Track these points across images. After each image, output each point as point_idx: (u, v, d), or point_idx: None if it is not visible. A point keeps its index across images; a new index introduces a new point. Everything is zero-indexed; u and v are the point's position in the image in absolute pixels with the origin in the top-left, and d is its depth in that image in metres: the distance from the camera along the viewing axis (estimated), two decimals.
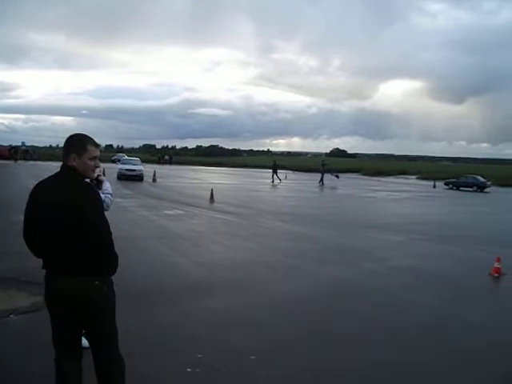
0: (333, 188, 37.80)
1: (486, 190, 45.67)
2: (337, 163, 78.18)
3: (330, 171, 44.28)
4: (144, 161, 44.96)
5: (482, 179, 47.53)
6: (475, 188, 45.49)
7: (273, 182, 41.08)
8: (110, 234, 3.27)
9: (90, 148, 3.36)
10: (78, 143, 3.36)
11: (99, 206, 3.30)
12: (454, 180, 48.98)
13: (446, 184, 48.72)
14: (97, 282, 3.26)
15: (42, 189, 3.29)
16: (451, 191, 43.61)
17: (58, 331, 3.31)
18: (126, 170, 34.69)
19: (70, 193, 3.20)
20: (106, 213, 3.37)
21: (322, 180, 41.24)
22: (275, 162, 45.33)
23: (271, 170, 44.00)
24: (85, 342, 3.55)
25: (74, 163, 3.30)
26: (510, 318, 7.09)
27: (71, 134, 3.42)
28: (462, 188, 46.26)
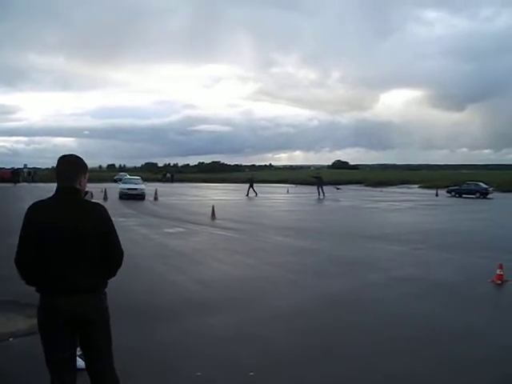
0: (335, 200, 37.72)
1: (488, 196, 45.44)
2: (339, 175, 78.30)
3: (324, 184, 43.86)
4: (146, 179, 44.97)
5: (484, 185, 47.27)
6: (478, 195, 45.21)
7: (247, 195, 41.13)
8: (123, 251, 3.47)
9: None
10: (84, 163, 3.44)
11: (113, 225, 3.41)
12: (456, 187, 48.61)
13: (449, 192, 48.44)
14: (102, 296, 3.38)
15: (49, 211, 3.26)
16: (454, 199, 43.43)
17: (56, 353, 3.28)
18: (128, 189, 34.81)
19: (88, 215, 3.28)
20: None
21: (319, 193, 40.84)
22: (252, 176, 45.92)
23: (248, 184, 44.22)
24: (80, 363, 3.55)
25: (82, 183, 3.38)
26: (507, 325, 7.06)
27: (64, 154, 3.43)
28: (464, 195, 45.97)
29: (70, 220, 3.19)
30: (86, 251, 3.23)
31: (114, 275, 3.47)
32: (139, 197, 33.86)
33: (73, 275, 3.20)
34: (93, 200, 4.13)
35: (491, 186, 48.23)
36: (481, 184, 47.54)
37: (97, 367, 3.38)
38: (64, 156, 3.41)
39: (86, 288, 3.25)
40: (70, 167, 3.37)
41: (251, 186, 43.34)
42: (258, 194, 41.31)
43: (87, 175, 3.45)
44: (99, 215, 3.33)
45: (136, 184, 36.10)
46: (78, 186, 3.34)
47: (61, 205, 3.26)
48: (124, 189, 34.88)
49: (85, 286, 3.24)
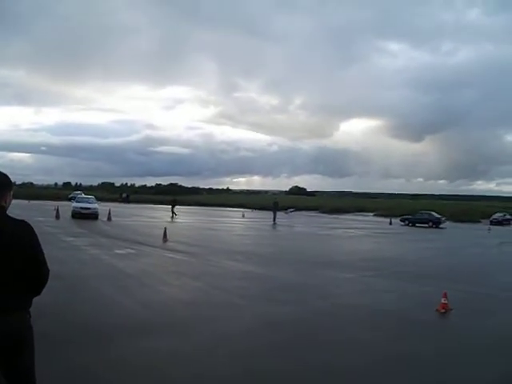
0: (289, 226, 37.95)
1: (441, 225, 46.58)
2: (295, 201, 78.86)
3: (280, 210, 44.18)
4: (102, 199, 44.35)
5: (436, 215, 48.58)
6: (430, 224, 46.39)
7: (172, 217, 41.22)
8: (48, 270, 3.35)
9: None
10: (10, 180, 3.37)
11: (39, 243, 3.31)
12: (409, 216, 49.73)
13: (402, 220, 49.49)
14: (28, 316, 3.27)
15: None
16: (406, 227, 44.31)
17: None
18: (81, 208, 34.32)
19: (14, 230, 3.18)
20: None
21: (274, 218, 41.16)
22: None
23: (170, 207, 44.43)
24: None
25: (8, 200, 3.30)
26: (451, 353, 7.11)
27: None
28: (417, 224, 47.02)
29: None
30: (13, 269, 3.12)
31: (40, 293, 3.37)
32: (92, 216, 33.31)
33: (2, 295, 3.09)
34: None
35: (444, 216, 49.36)
36: (433, 213, 48.88)
37: None
38: None
39: (15, 307, 3.15)
40: None
41: (173, 208, 43.45)
42: (178, 216, 41.80)
43: (12, 192, 3.37)
44: (26, 233, 3.24)
45: (89, 203, 35.55)
46: (3, 204, 3.25)
47: None
48: (77, 207, 34.41)
49: (13, 304, 3.13)
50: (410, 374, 6.14)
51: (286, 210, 50.81)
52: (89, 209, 34.24)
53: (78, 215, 33.15)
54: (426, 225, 46.37)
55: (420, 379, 5.95)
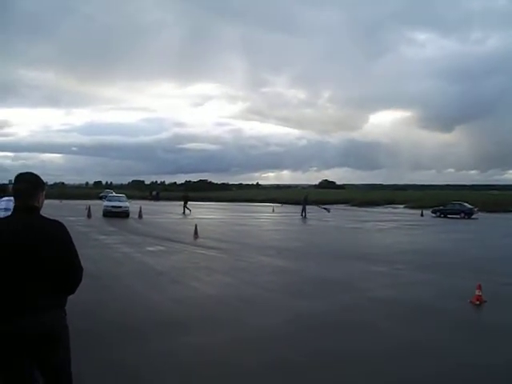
0: (319, 220, 37.78)
1: (473, 216, 45.77)
2: (325, 195, 78.47)
3: (309, 203, 43.97)
4: (132, 197, 44.65)
5: (468, 206, 47.82)
6: (462, 215, 45.62)
7: (184, 213, 41.08)
8: (82, 268, 3.40)
9: None
10: (42, 181, 3.45)
11: (73, 242, 3.37)
12: (441, 208, 49.08)
13: (434, 212, 48.85)
14: (64, 314, 3.34)
15: (9, 230, 3.20)
16: (438, 219, 43.67)
17: (14, 379, 3.18)
18: (112, 206, 34.53)
19: (48, 229, 3.26)
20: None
21: (303, 212, 41.05)
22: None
23: (182, 202, 44.09)
24: None
25: (41, 201, 3.38)
26: (486, 345, 7.03)
27: (22, 172, 3.40)
28: (449, 215, 46.39)
29: (29, 238, 3.16)
30: (47, 268, 3.19)
31: (74, 292, 3.43)
32: (123, 214, 33.55)
33: (35, 293, 3.16)
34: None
35: (476, 207, 48.64)
36: (465, 204, 48.10)
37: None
38: (22, 174, 3.39)
39: (50, 305, 3.22)
40: (29, 185, 3.35)
41: (185, 203, 43.23)
42: (192, 212, 41.53)
43: (44, 192, 3.44)
44: (59, 232, 3.32)
45: (120, 201, 35.74)
46: (36, 204, 3.32)
47: (20, 223, 3.23)
48: (108, 206, 34.61)
49: (48, 303, 3.20)
50: (436, 363, 6.08)
51: (322, 206, 50.49)
52: (120, 207, 34.44)
53: (109, 214, 33.41)
54: (458, 216, 45.57)
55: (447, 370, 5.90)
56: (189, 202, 43.33)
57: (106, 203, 35.91)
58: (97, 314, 7.92)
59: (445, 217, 46.37)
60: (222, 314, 8.36)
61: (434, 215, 47.93)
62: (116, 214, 33.36)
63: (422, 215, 47.14)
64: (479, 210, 49.01)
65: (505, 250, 19.95)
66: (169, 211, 44.89)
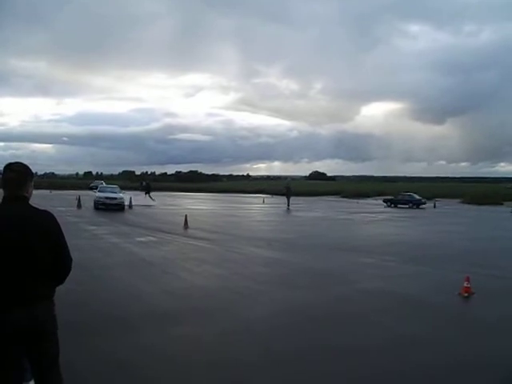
0: (308, 211, 37.83)
1: (421, 206, 48.96)
2: (315, 186, 78.61)
3: (292, 194, 43.74)
4: (123, 188, 43.92)
5: (417, 197, 51.26)
6: (411, 205, 49.16)
7: (148, 200, 40.67)
8: (71, 258, 3.44)
9: None
10: (31, 171, 3.43)
11: (62, 232, 3.39)
12: (392, 198, 53.07)
13: (385, 201, 53.03)
14: (52, 305, 3.35)
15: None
16: (430, 211, 43.76)
17: (4, 372, 3.20)
18: (106, 197, 31.93)
19: (37, 220, 3.26)
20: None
21: (288, 204, 40.63)
22: (148, 182, 45.97)
23: (144, 192, 44.02)
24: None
25: (30, 191, 3.36)
26: (473, 336, 7.10)
27: (11, 162, 3.37)
28: (399, 205, 49.91)
29: (20, 229, 3.15)
30: (37, 259, 3.19)
31: (63, 282, 3.44)
32: (117, 207, 31.22)
33: (25, 284, 3.16)
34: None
35: (424, 198, 52.23)
36: (414, 195, 51.78)
37: (49, 379, 3.33)
38: (11, 164, 3.36)
39: (39, 296, 3.22)
40: (18, 175, 3.33)
41: (148, 192, 43.27)
42: (155, 201, 41.24)
43: (33, 183, 3.43)
44: (48, 222, 3.31)
45: (114, 193, 33.26)
46: (25, 194, 3.31)
47: (10, 214, 3.21)
48: (101, 198, 31.90)
49: (37, 293, 3.21)
50: (423, 355, 6.15)
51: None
52: (115, 199, 31.74)
53: (102, 206, 31.14)
54: (407, 206, 49.01)
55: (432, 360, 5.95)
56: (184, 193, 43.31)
57: (98, 194, 33.10)
58: (86, 305, 7.89)
59: (395, 207, 50.08)
60: (212, 305, 8.35)
61: (385, 205, 51.59)
62: (109, 207, 31.03)
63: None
64: (467, 202, 50.12)
65: (494, 243, 19.95)
66: (159, 201, 44.73)
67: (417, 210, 45.04)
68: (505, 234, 24.52)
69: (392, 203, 51.48)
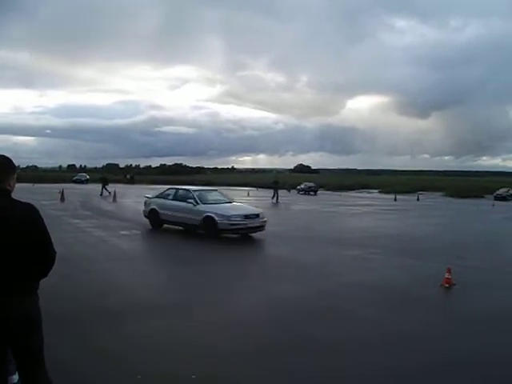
0: (293, 204, 37.87)
1: (318, 193, 61.44)
2: (299, 179, 78.70)
3: (280, 188, 43.69)
4: (106, 180, 43.67)
5: (314, 185, 63.67)
6: (312, 193, 59.96)
7: (101, 195, 40.31)
8: (55, 251, 3.38)
9: None
10: (13, 163, 3.38)
11: (45, 225, 3.34)
12: (300, 187, 64.01)
13: (297, 190, 63.12)
14: (36, 298, 3.32)
15: None
16: (413, 203, 43.96)
17: None
18: (245, 216, 16.39)
19: (20, 213, 3.21)
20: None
21: (275, 197, 40.65)
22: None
23: (100, 184, 43.37)
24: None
25: (12, 184, 3.31)
26: (452, 326, 7.22)
27: None
28: (306, 193, 60.60)
29: (2, 222, 3.12)
30: (20, 252, 3.15)
31: (47, 275, 3.40)
32: (259, 230, 17.43)
33: (8, 278, 3.13)
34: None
35: (316, 185, 64.61)
36: (313, 184, 64.29)
37: (34, 371, 3.30)
38: None
39: (23, 289, 3.20)
40: (0, 168, 3.29)
41: (104, 185, 42.57)
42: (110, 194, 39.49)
43: (15, 176, 3.39)
44: (31, 215, 3.27)
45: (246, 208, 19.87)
46: (7, 187, 3.27)
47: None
48: (235, 217, 16.05)
49: (21, 287, 3.18)
50: (404, 347, 6.20)
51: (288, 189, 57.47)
52: (256, 217, 16.94)
53: (232, 232, 16.87)
54: (312, 193, 60.36)
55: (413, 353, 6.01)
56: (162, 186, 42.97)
57: (227, 212, 15.15)
58: (69, 298, 7.87)
59: (304, 194, 60.08)
60: (197, 298, 8.36)
61: (298, 193, 60.87)
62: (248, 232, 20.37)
63: (395, 200, 47.59)
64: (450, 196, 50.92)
65: (477, 235, 20.16)
66: (142, 194, 44.46)
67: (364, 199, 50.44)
68: (487, 226, 24.79)
69: (300, 191, 62.32)
